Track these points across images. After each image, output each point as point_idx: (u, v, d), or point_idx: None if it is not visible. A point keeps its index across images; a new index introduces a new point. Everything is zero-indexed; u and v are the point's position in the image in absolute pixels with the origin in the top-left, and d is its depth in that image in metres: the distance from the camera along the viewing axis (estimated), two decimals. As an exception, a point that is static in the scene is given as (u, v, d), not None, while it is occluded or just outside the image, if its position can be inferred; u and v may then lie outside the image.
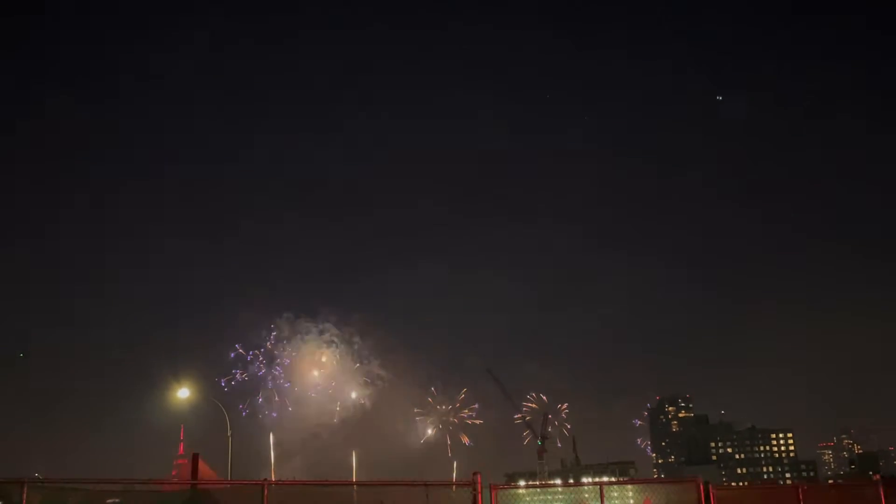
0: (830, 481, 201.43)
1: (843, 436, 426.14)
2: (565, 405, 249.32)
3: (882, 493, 27.46)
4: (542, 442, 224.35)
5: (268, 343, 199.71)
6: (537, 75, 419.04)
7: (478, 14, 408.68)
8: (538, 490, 35.12)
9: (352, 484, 25.57)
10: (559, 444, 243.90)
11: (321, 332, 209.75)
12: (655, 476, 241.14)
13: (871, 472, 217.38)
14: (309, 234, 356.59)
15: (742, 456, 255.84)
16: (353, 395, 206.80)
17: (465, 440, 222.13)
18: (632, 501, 28.71)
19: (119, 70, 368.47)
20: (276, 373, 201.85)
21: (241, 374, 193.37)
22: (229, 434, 61.43)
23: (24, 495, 18.87)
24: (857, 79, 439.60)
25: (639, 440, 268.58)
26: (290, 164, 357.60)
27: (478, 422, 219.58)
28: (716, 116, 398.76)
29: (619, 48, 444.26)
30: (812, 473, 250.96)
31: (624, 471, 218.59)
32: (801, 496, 25.62)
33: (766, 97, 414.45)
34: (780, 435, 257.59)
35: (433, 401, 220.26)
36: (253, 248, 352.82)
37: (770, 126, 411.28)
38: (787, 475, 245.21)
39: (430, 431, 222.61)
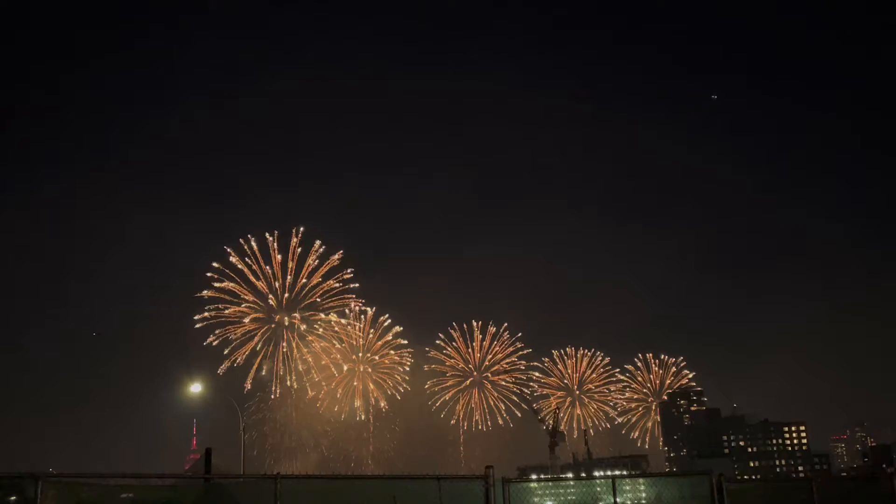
0: (844, 474, 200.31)
1: (857, 428, 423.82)
2: (573, 399, 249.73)
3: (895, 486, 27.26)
4: (554, 436, 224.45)
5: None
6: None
7: None
8: (550, 484, 35.06)
9: (364, 478, 25.59)
10: (575, 437, 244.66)
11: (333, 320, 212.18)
12: (667, 469, 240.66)
13: (884, 465, 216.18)
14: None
15: (754, 449, 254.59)
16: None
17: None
18: (644, 495, 28.66)
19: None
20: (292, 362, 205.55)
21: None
22: (242, 429, 61.79)
23: (39, 490, 18.99)
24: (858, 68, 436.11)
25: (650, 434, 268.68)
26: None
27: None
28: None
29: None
30: (825, 466, 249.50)
31: (636, 464, 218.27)
32: (814, 490, 25.47)
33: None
34: (793, 428, 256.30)
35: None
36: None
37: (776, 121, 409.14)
38: (800, 468, 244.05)
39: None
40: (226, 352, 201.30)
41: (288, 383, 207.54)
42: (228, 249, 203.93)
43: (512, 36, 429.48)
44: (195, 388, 66.70)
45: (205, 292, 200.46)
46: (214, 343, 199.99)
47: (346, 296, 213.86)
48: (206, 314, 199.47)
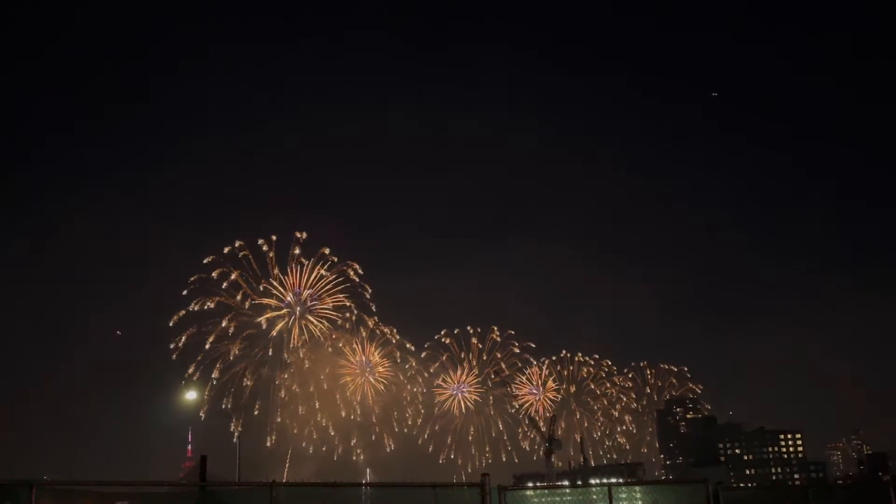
0: (839, 482, 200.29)
1: (853, 436, 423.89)
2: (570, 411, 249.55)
3: (892, 493, 27.29)
4: (551, 444, 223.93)
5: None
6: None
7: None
8: (546, 492, 35.02)
9: (359, 485, 25.52)
10: (571, 445, 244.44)
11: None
12: (663, 477, 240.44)
13: (880, 473, 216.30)
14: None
15: (750, 457, 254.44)
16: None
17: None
18: (640, 503, 28.63)
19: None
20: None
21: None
22: (237, 437, 61.62)
23: (33, 497, 18.91)
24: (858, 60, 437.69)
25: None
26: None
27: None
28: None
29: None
30: (821, 474, 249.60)
31: (632, 472, 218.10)
32: (810, 497, 25.49)
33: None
34: (789, 436, 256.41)
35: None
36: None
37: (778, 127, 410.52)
38: (796, 476, 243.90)
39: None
40: (206, 393, 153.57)
41: (289, 431, 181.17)
42: (212, 257, 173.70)
43: (512, 69, 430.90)
44: (190, 395, 66.58)
45: (174, 317, 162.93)
46: (196, 377, 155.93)
47: (362, 313, 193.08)
48: (184, 337, 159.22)
